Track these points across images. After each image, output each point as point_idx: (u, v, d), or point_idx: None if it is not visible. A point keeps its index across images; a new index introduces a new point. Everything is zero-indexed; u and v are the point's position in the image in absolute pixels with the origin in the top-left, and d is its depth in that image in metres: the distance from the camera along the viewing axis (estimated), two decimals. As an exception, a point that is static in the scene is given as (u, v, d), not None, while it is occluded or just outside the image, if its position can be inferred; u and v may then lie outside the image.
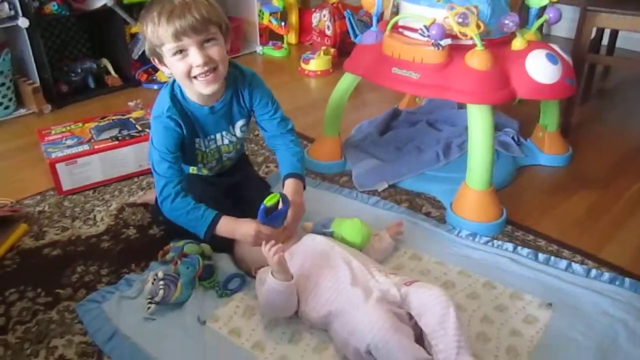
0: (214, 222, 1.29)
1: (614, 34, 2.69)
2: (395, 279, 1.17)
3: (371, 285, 1.13)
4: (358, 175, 1.81)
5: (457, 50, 1.53)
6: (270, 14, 3.14)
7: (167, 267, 1.36)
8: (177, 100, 1.34)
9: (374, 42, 1.72)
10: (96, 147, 1.79)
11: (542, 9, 1.68)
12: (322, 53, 2.86)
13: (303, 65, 2.87)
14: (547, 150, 1.93)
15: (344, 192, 1.76)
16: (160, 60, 1.27)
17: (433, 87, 1.55)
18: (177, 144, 1.33)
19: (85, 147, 1.79)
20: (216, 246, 1.40)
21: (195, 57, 1.21)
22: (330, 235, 1.35)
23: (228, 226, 1.29)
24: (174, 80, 1.35)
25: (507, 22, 1.53)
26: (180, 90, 1.34)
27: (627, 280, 1.35)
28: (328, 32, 3.00)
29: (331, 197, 1.73)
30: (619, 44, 2.71)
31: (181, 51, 1.21)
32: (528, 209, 1.68)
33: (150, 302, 1.26)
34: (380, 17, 1.80)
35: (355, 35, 2.97)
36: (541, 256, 1.44)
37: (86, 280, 1.40)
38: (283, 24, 3.16)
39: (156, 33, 1.20)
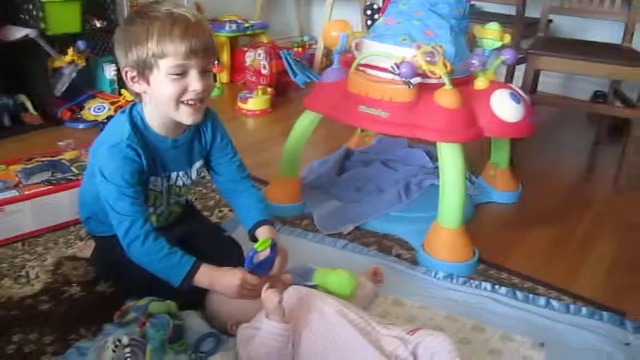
0: (193, 270, 1.14)
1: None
2: (395, 330, 1.08)
3: (382, 343, 1.04)
4: (321, 218, 1.73)
5: (424, 88, 1.52)
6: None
7: (128, 330, 1.18)
8: (137, 128, 1.19)
9: (336, 80, 1.67)
10: (27, 192, 1.57)
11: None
12: (260, 92, 2.78)
13: (240, 105, 2.78)
14: (499, 188, 1.96)
15: (309, 236, 1.66)
16: (142, 74, 1.13)
17: (403, 126, 1.52)
18: (137, 176, 1.18)
19: (14, 192, 1.56)
20: (184, 301, 1.25)
21: (195, 82, 1.11)
22: (314, 288, 1.24)
23: (208, 275, 1.15)
24: (133, 106, 1.22)
25: (474, 61, 1.54)
26: (141, 118, 1.20)
27: (604, 314, 1.36)
28: (264, 72, 2.94)
29: (296, 241, 1.62)
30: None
31: (181, 72, 1.10)
32: (493, 247, 1.67)
33: (111, 373, 1.08)
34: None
35: (295, 75, 2.95)
36: (519, 294, 1.43)
37: (27, 351, 1.18)
38: (216, 62, 3.05)
39: (163, 43, 1.07)
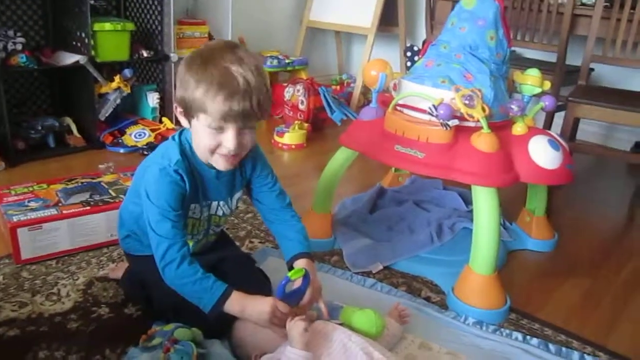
0: (224, 296, 1.14)
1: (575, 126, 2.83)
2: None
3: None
4: (350, 255, 1.72)
5: (461, 131, 1.51)
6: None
7: (152, 355, 1.18)
8: (185, 156, 1.22)
9: (373, 118, 1.69)
10: (65, 211, 1.61)
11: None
12: (296, 127, 2.82)
13: (277, 138, 2.82)
14: (534, 235, 1.92)
15: (337, 272, 1.65)
16: (187, 115, 1.16)
17: (439, 167, 1.51)
18: (181, 202, 1.20)
19: (53, 211, 1.60)
20: (210, 330, 1.24)
21: (229, 141, 1.13)
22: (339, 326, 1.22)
23: (239, 302, 1.15)
24: (181, 132, 1.25)
25: (513, 106, 1.54)
26: (190, 146, 1.23)
27: (642, 375, 1.31)
28: (302, 107, 2.99)
29: (324, 277, 1.60)
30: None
31: (218, 128, 1.12)
32: (526, 295, 1.63)
33: (132, 397, 1.08)
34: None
35: (332, 112, 2.99)
36: (552, 347, 1.38)
37: (52, 368, 1.19)
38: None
39: (205, 100, 1.08)
